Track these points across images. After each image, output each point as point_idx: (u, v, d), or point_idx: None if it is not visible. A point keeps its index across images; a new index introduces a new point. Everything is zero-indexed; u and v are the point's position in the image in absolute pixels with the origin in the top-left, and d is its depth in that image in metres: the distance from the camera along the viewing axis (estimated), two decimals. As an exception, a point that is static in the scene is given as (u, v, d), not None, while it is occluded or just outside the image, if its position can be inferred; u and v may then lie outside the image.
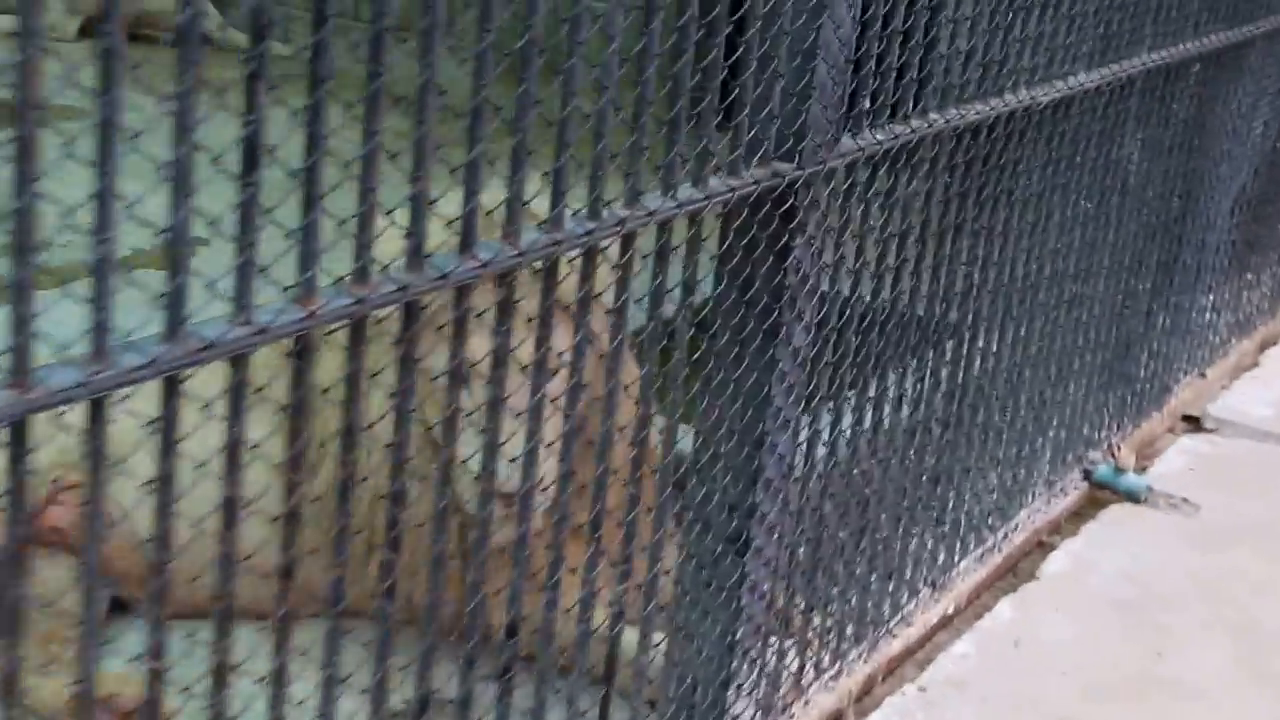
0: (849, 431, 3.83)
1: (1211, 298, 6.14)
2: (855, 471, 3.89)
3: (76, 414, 1.94)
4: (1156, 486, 5.26)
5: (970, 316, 4.30)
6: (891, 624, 4.22)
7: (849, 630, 4.03)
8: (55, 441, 3.51)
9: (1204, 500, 5.22)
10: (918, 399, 4.13)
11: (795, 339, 3.32)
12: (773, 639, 3.65)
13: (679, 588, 3.42)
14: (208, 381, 2.26)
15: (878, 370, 3.88)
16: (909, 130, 3.59)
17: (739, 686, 3.48)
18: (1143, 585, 4.68)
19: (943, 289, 4.07)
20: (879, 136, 3.47)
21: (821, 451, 3.69)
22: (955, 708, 3.99)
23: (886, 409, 3.96)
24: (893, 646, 4.22)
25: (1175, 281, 5.68)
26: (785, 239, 3.20)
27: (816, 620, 3.91)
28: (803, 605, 3.81)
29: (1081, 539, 4.94)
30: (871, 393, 3.86)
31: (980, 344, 4.39)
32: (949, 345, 4.27)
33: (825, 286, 3.42)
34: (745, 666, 3.49)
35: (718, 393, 3.29)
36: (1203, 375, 6.14)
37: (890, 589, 4.21)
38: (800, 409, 3.42)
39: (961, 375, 4.36)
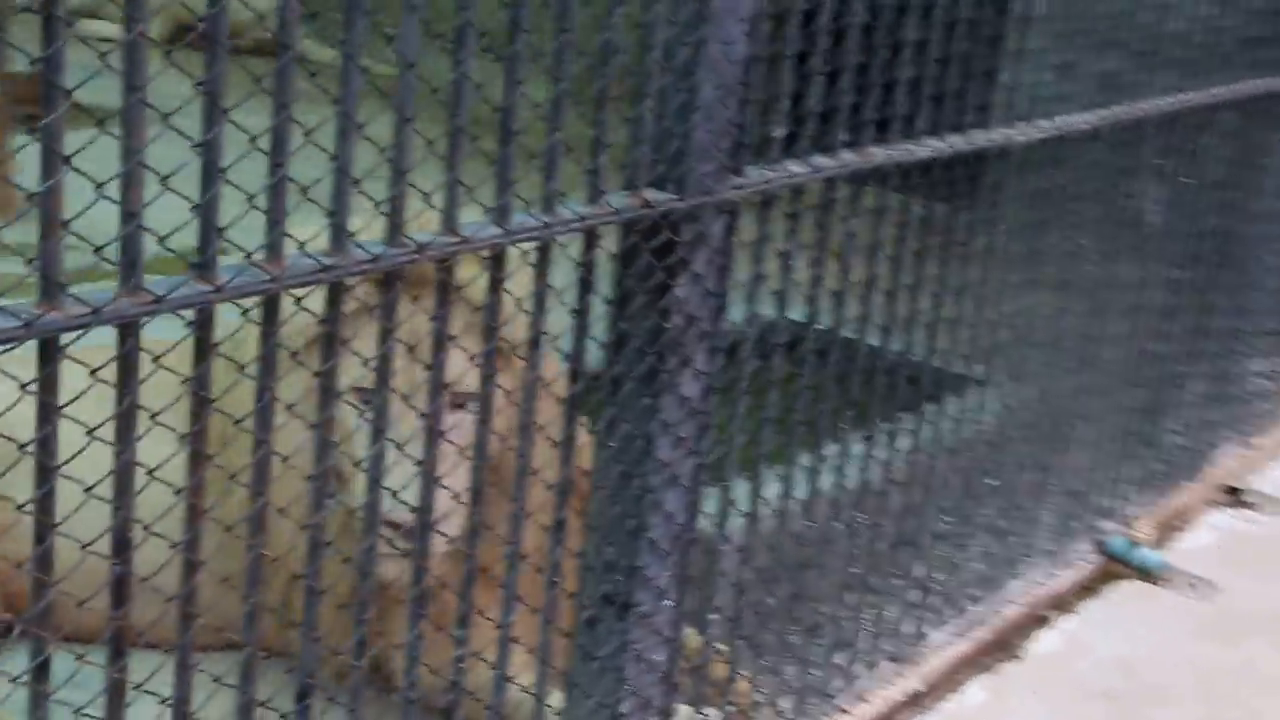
0: (782, 493, 3.45)
1: (1261, 364, 5.62)
2: (790, 534, 3.51)
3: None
4: (1177, 564, 4.76)
5: (944, 366, 3.90)
6: (839, 699, 3.80)
7: (785, 704, 3.63)
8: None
9: (1227, 583, 4.72)
10: (869, 458, 3.73)
11: (683, 387, 2.95)
12: (681, 714, 3.27)
13: (574, 650, 3.06)
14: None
15: (828, 424, 3.51)
16: (837, 164, 3.22)
17: (625, 764, 3.10)
18: (1137, 675, 4.19)
19: (906, 330, 3.68)
20: (796, 168, 3.10)
21: (747, 512, 3.34)
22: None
23: (829, 471, 3.57)
24: (842, 724, 3.80)
25: (1211, 345, 5.18)
26: (664, 276, 2.84)
27: (743, 691, 3.52)
28: (725, 677, 3.43)
29: (1079, 617, 4.47)
30: (816, 453, 3.48)
31: (958, 396, 3.98)
32: (919, 395, 3.87)
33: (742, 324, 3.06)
34: (634, 742, 3.11)
35: (604, 442, 2.94)
36: (1248, 446, 5.61)
37: (842, 661, 3.81)
38: (691, 462, 3.04)
39: (933, 431, 3.95)
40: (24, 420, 2.03)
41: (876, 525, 3.81)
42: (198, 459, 2.14)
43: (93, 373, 1.99)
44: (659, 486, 2.97)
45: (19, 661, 2.10)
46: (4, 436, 2.06)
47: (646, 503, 2.96)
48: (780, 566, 3.51)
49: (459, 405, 3.33)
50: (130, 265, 1.97)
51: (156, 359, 2.13)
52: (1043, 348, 4.34)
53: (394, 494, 2.60)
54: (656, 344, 2.87)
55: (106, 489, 2.05)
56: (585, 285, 2.71)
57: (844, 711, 3.82)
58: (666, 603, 3.09)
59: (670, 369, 2.90)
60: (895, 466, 3.86)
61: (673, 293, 2.86)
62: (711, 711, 3.41)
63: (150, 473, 2.13)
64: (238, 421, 2.38)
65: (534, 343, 2.67)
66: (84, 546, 2.08)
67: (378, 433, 2.47)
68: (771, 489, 3.42)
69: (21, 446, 1.96)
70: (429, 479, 2.58)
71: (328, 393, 2.36)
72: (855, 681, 3.87)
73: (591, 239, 2.70)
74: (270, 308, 2.19)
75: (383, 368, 2.44)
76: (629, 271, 2.83)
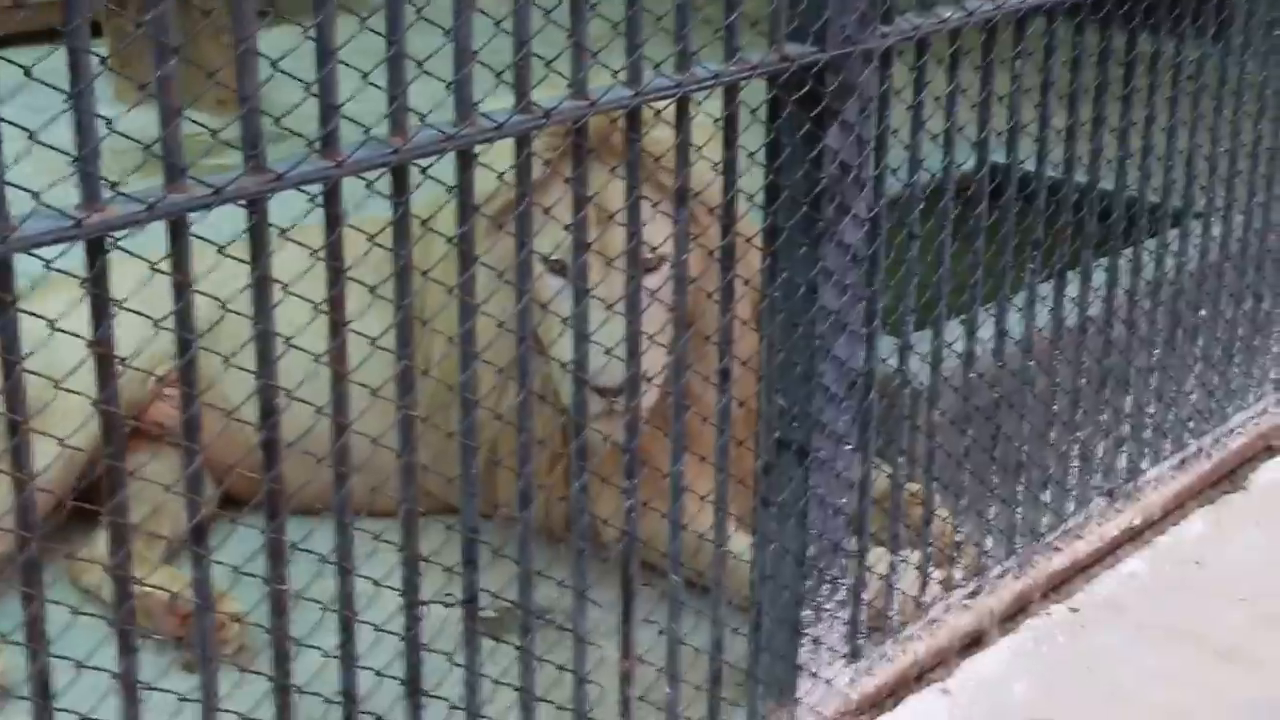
0: (981, 335, 3.37)
1: None
2: (995, 374, 3.43)
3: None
4: None
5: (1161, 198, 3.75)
6: (1050, 537, 3.72)
7: (989, 544, 3.57)
8: (159, 339, 3.46)
9: None
10: (1087, 296, 3.61)
11: (845, 235, 2.91)
12: (871, 555, 3.25)
13: (757, 497, 3.07)
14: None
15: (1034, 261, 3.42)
16: (993, 4, 3.09)
17: (816, 605, 3.11)
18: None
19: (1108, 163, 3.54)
20: (946, 13, 3.00)
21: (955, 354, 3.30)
22: (1103, 634, 3.49)
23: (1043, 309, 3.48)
24: (1055, 562, 3.72)
25: None
26: (813, 127, 2.79)
27: (940, 532, 3.47)
28: (924, 519, 3.39)
29: (1311, 444, 4.26)
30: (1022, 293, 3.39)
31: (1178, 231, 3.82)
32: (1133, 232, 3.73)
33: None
34: (824, 585, 3.11)
35: (767, 290, 2.91)
36: None
37: (1050, 499, 3.72)
38: (860, 308, 2.99)
39: (1151, 269, 3.81)
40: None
41: (1083, 364, 3.69)
42: (337, 328, 2.21)
43: (313, 253, 2.14)
44: (827, 333, 2.94)
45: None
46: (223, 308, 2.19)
47: (815, 349, 2.93)
48: (974, 409, 3.43)
49: (651, 269, 3.33)
50: (252, 144, 2.03)
51: (372, 238, 2.29)
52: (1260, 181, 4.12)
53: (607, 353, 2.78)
54: (811, 193, 2.82)
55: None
56: (729, 141, 2.68)
57: (1057, 549, 3.74)
58: (846, 447, 3.07)
59: (828, 217, 2.85)
60: (1107, 302, 3.73)
61: (824, 143, 2.80)
62: (910, 553, 3.38)
63: (373, 342, 2.30)
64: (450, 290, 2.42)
65: (680, 196, 2.65)
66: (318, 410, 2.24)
67: (580, 294, 2.53)
68: (964, 332, 3.35)
69: (223, 305, 2.18)
70: (634, 341, 2.64)
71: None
72: (1067, 519, 3.78)
73: (732, 95, 2.66)
74: (398, 179, 2.23)
75: (579, 232, 2.49)
76: (775, 124, 2.78)
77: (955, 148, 3.14)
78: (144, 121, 2.01)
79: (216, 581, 2.15)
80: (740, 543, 3.30)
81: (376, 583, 2.44)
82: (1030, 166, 3.35)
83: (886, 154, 2.97)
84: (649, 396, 3.26)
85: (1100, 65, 3.45)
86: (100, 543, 3.46)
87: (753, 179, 2.83)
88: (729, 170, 2.68)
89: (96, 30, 5.99)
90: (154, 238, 2.00)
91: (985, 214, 3.25)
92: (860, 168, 2.89)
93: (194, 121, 2.01)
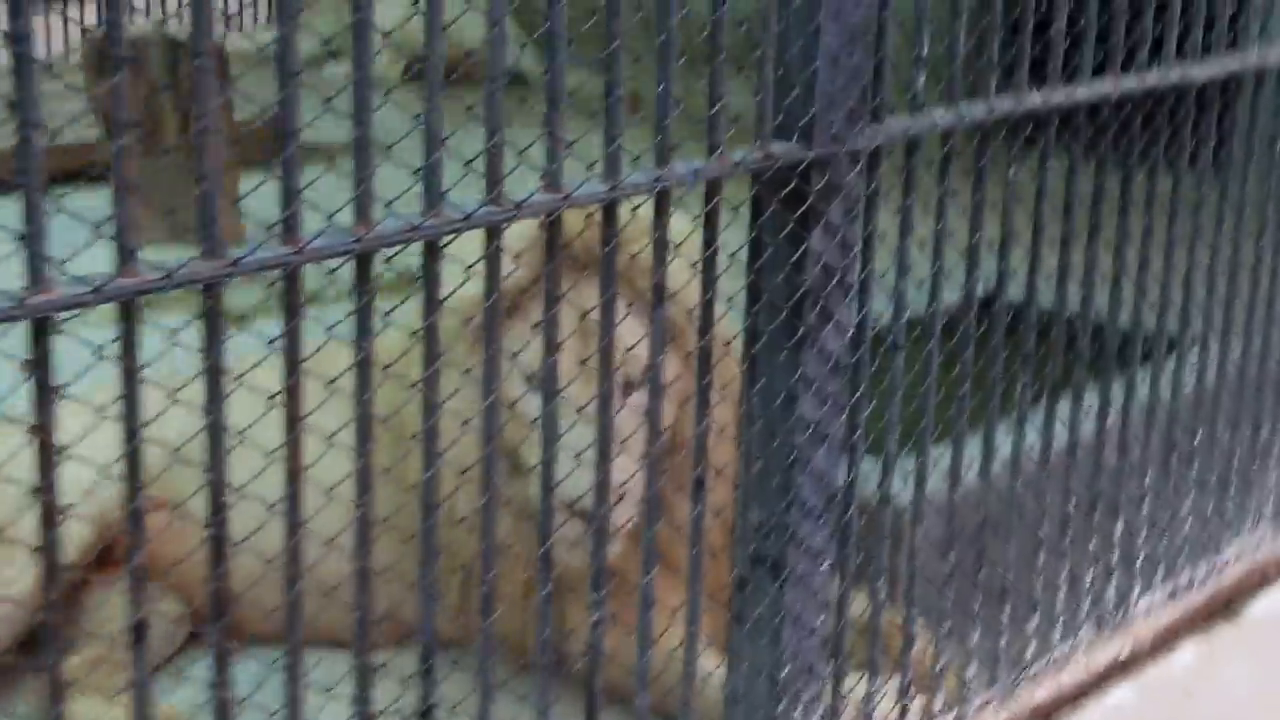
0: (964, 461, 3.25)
1: None
2: (981, 496, 3.30)
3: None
4: None
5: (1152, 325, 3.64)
6: (1035, 667, 3.57)
7: (971, 672, 3.42)
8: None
9: None
10: (1078, 418, 3.49)
11: (827, 343, 2.79)
12: (848, 679, 3.10)
13: (730, 614, 2.93)
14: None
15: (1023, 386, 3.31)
16: (985, 110, 3.01)
17: (790, 731, 2.95)
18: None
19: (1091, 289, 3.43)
20: (941, 116, 2.91)
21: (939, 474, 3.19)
22: (1089, 760, 3.33)
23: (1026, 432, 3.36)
24: (1039, 693, 3.57)
25: None
26: (797, 227, 2.69)
27: (921, 658, 3.32)
28: (904, 644, 3.24)
29: (1303, 579, 4.12)
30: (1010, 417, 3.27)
31: (1168, 357, 3.71)
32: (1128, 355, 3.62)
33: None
34: (797, 709, 2.96)
35: (745, 397, 2.80)
36: None
37: (1036, 627, 3.57)
38: (840, 421, 2.87)
39: (1146, 392, 3.69)
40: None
41: (1072, 489, 3.57)
42: (293, 422, 2.09)
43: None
44: (805, 445, 2.81)
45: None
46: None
47: (793, 461, 2.80)
48: (959, 530, 3.30)
49: (633, 387, 3.22)
50: (207, 227, 1.93)
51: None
52: (1260, 303, 4.02)
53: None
54: (793, 297, 2.72)
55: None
56: (708, 241, 2.58)
57: (1041, 681, 3.59)
58: (823, 565, 2.93)
59: (809, 323, 2.74)
60: (1099, 424, 3.62)
61: (807, 244, 2.70)
62: (889, 680, 3.23)
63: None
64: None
65: (658, 294, 2.54)
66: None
67: (549, 411, 2.43)
68: (949, 453, 3.23)
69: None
70: (605, 460, 2.54)
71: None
72: (1053, 648, 3.63)
73: (713, 192, 2.56)
74: (362, 268, 2.12)
75: (549, 330, 2.38)
76: (757, 223, 2.68)
77: (944, 260, 3.04)
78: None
79: (180, 709, 2.04)
80: (711, 662, 3.16)
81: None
82: (1020, 291, 3.25)
83: (873, 260, 2.86)
84: (628, 515, 3.14)
85: (1096, 176, 3.37)
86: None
87: (732, 279, 2.73)
88: (708, 268, 2.57)
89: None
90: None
91: (973, 339, 3.16)
92: (844, 272, 2.78)
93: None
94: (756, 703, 2.91)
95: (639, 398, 3.12)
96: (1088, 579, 3.70)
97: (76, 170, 1.83)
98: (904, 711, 3.24)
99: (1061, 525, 3.58)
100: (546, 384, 2.43)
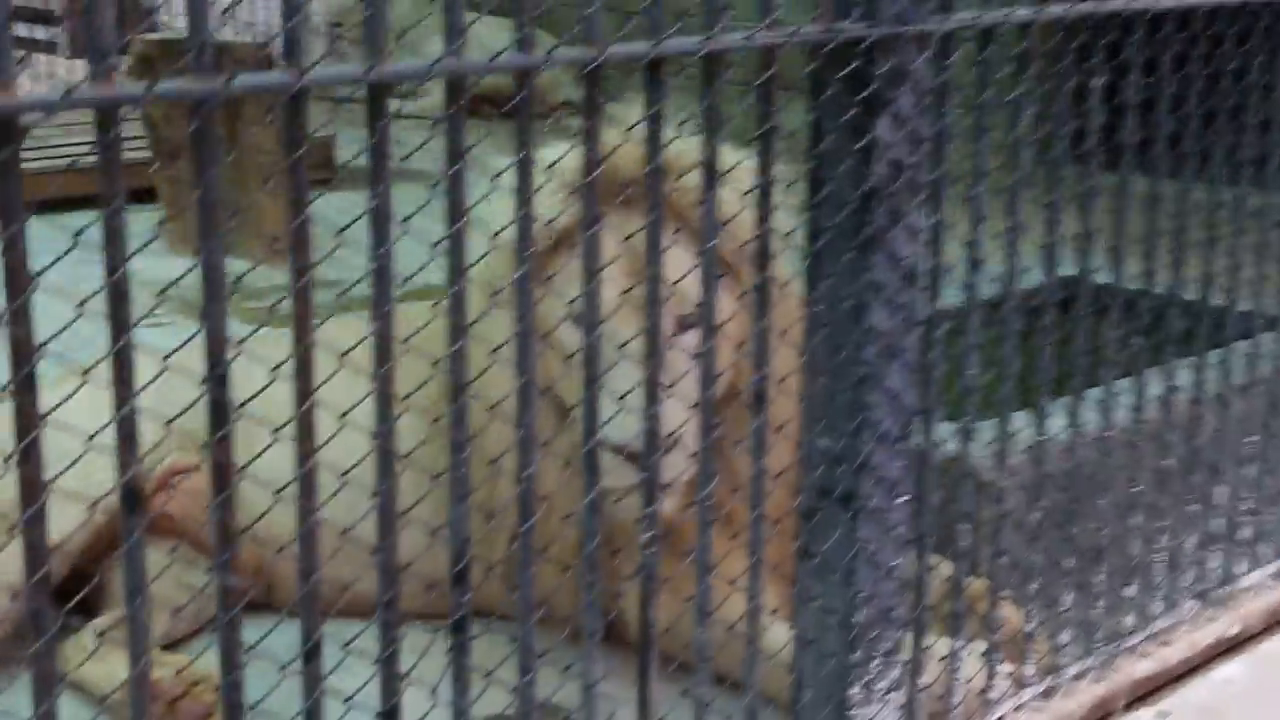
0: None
1: None
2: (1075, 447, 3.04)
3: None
4: None
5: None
6: (1134, 639, 3.27)
7: (1066, 641, 3.13)
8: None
9: None
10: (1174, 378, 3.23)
11: (897, 247, 2.56)
12: (931, 634, 2.83)
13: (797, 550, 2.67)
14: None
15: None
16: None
17: (866, 683, 2.67)
18: None
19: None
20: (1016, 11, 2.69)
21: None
22: (1195, 737, 3.02)
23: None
24: (1140, 667, 3.26)
25: None
26: (861, 113, 2.46)
27: (1009, 619, 3.05)
28: (990, 605, 2.96)
29: None
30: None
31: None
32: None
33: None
34: (874, 660, 2.68)
35: (809, 305, 2.55)
36: None
37: (1134, 598, 3.28)
38: (916, 337, 2.63)
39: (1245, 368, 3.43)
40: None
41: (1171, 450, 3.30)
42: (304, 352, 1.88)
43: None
44: (876, 361, 2.57)
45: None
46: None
47: (863, 378, 2.56)
48: (1048, 478, 3.03)
49: (692, 324, 2.99)
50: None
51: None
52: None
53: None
54: (858, 192, 2.49)
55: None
56: (763, 117, 2.36)
57: (1143, 655, 3.29)
58: (899, 498, 2.67)
59: (877, 223, 2.51)
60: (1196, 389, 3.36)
61: (873, 134, 2.47)
62: (974, 642, 2.96)
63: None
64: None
65: (708, 172, 2.32)
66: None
67: (591, 343, 2.21)
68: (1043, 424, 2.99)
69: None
70: (654, 401, 2.31)
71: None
72: (1154, 620, 3.34)
73: (768, 61, 2.34)
74: (374, 103, 1.92)
75: (590, 257, 2.16)
76: (817, 103, 2.46)
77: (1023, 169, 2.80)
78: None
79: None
80: (779, 635, 2.89)
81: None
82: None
83: (945, 160, 2.63)
84: (683, 466, 2.89)
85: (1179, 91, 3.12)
86: (87, 634, 3.15)
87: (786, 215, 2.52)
88: (765, 146, 2.35)
89: (151, 193, 5.95)
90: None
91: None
92: (915, 170, 2.55)
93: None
94: (827, 650, 2.64)
95: (692, 338, 2.89)
96: (1189, 549, 3.41)
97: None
98: (992, 676, 2.96)
99: (1159, 486, 3.30)
100: (588, 314, 2.20)
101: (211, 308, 1.77)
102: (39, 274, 1.59)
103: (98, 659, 3.04)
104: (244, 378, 1.88)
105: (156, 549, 3.34)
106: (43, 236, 1.71)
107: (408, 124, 7.91)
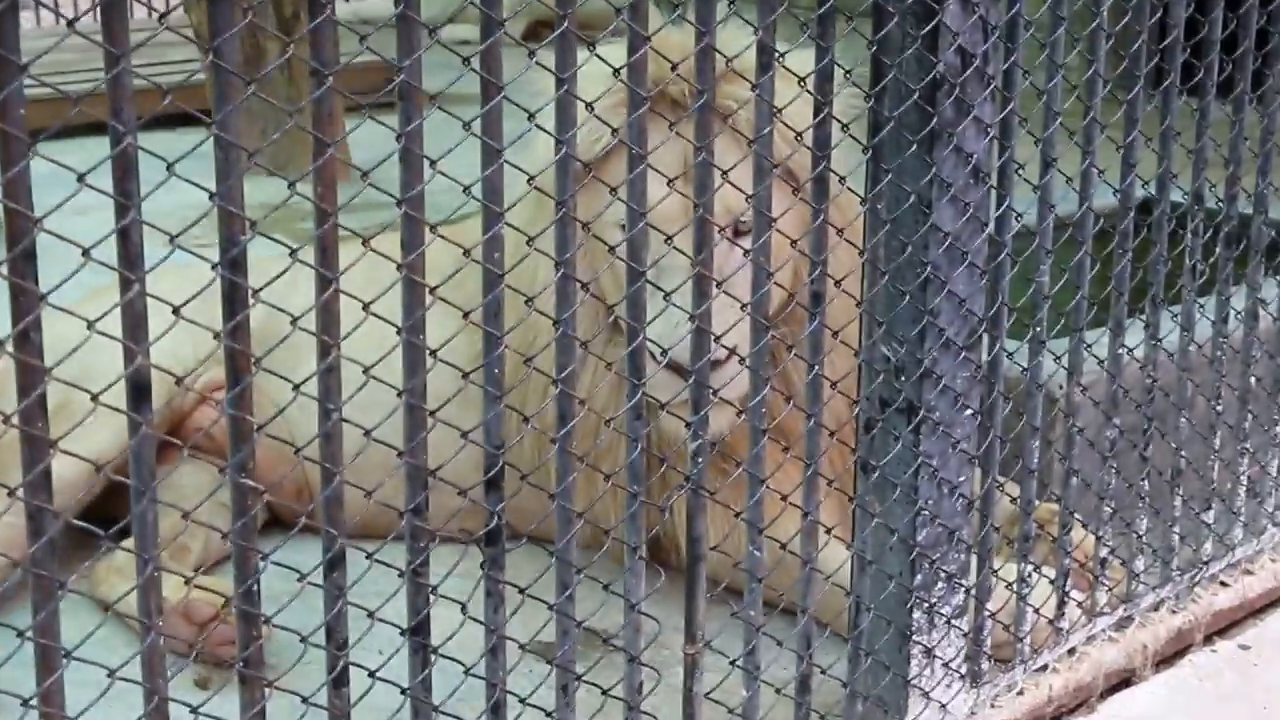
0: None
1: None
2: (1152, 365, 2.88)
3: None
4: None
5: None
6: (1215, 568, 3.11)
7: (1141, 568, 2.97)
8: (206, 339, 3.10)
9: None
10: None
11: (965, 141, 2.39)
12: (997, 558, 2.69)
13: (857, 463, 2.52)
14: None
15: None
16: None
17: (929, 608, 2.53)
18: None
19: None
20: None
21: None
22: (1277, 672, 2.85)
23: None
24: (1221, 598, 3.10)
25: None
26: (927, -3, 2.30)
27: (1081, 544, 2.89)
28: (1065, 529, 2.81)
29: None
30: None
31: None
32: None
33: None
34: (938, 583, 2.54)
35: (872, 204, 2.39)
36: None
37: (1218, 524, 3.12)
38: (983, 240, 2.47)
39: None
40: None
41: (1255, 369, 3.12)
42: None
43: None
44: (942, 262, 2.41)
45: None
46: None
47: (928, 281, 2.40)
48: (1124, 396, 2.87)
49: (744, 231, 2.84)
50: None
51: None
52: None
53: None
54: (923, 81, 2.32)
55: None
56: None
57: (1223, 584, 3.13)
58: (966, 412, 2.52)
59: (944, 115, 2.35)
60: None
61: (940, 19, 2.31)
62: (1045, 568, 2.81)
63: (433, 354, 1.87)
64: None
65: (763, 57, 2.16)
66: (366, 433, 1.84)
67: (634, 240, 2.06)
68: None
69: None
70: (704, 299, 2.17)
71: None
72: (1235, 548, 3.17)
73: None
74: None
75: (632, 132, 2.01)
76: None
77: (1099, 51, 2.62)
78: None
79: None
80: (836, 554, 2.73)
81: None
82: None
83: (1017, 50, 2.46)
84: (735, 379, 2.74)
85: None
86: (120, 554, 3.06)
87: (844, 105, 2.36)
88: (823, 26, 2.18)
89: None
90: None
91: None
92: (985, 59, 2.38)
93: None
94: (887, 571, 2.50)
95: (747, 241, 2.73)
96: (1275, 474, 3.24)
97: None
98: (1063, 605, 2.80)
99: (1241, 408, 3.13)
100: (631, 210, 2.05)
101: (226, 183, 1.63)
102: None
103: (128, 578, 2.95)
104: (294, 296, 1.76)
105: (198, 469, 3.24)
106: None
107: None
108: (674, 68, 2.15)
